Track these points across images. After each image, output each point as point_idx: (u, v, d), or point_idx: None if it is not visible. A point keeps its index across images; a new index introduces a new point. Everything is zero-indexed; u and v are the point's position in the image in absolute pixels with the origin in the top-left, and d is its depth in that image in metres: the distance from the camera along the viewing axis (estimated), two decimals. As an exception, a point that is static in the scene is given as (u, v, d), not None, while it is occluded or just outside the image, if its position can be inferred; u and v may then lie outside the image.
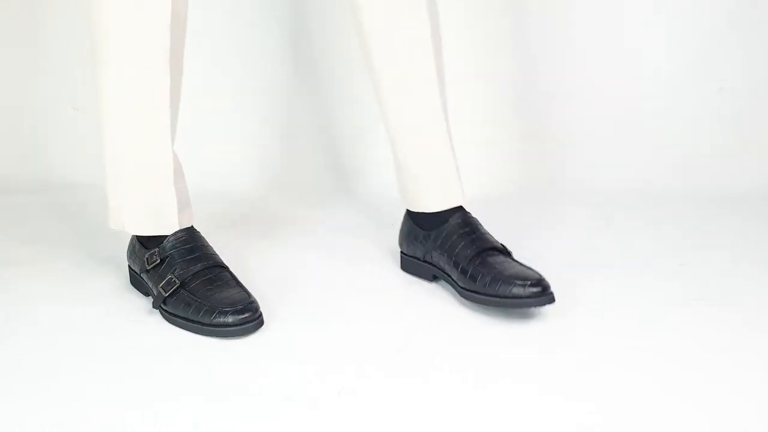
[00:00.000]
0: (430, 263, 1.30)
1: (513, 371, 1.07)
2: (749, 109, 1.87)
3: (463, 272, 1.22)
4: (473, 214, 1.31)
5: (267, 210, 1.70)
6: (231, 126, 1.88)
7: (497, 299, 1.16)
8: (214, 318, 1.12)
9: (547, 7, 1.82)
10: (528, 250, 1.46)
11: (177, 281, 1.16)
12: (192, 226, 1.25)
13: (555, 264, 1.41)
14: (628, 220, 1.63)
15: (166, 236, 1.21)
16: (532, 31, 1.85)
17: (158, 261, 1.19)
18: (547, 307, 1.24)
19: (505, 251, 1.26)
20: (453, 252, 1.25)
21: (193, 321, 1.14)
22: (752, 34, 1.84)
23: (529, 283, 1.16)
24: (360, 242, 1.51)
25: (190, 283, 1.16)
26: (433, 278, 1.32)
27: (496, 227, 1.49)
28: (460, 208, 1.30)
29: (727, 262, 1.42)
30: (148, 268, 1.20)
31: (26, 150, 1.86)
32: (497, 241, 1.27)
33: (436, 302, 1.26)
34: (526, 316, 1.21)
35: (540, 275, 1.19)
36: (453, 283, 1.25)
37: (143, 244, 1.24)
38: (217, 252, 1.25)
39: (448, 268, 1.26)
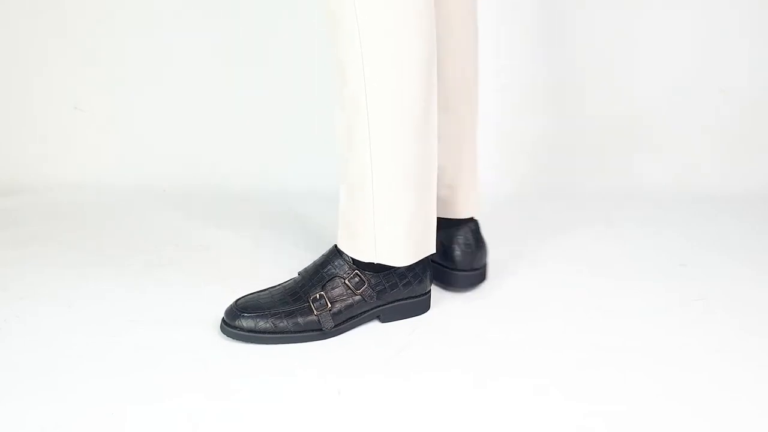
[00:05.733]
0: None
1: (513, 371, 1.07)
2: (750, 111, 1.87)
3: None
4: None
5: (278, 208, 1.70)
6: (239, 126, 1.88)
7: None
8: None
9: (552, 10, 1.83)
10: (529, 250, 1.47)
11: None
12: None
13: (556, 264, 1.42)
14: (628, 221, 1.64)
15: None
16: (533, 33, 1.85)
17: None
18: (547, 307, 1.24)
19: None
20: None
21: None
22: (754, 36, 1.84)
23: None
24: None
25: None
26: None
27: (497, 227, 1.49)
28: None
29: (727, 262, 1.43)
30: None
31: (26, 150, 1.87)
32: None
33: (435, 302, 1.26)
34: (525, 316, 1.21)
35: None
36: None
37: None
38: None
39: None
